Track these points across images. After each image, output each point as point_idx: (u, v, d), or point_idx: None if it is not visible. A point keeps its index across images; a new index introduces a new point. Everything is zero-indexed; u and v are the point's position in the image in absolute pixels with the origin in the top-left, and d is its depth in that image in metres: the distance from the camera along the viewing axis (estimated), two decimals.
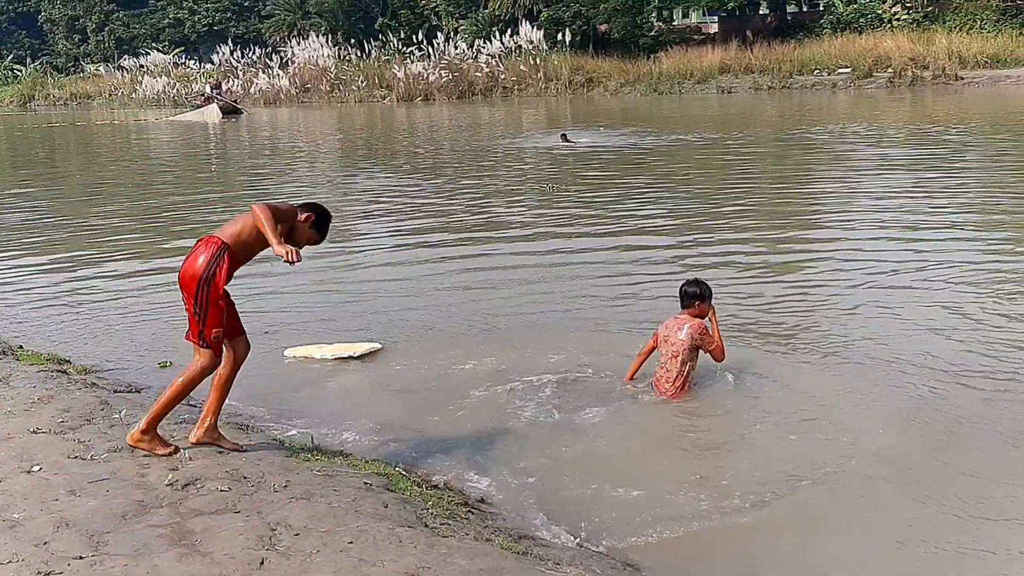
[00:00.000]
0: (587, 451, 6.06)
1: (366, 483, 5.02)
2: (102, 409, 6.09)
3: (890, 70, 40.99)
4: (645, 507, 5.29)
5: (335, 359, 7.94)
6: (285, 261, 5.01)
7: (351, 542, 4.15)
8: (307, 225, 5.42)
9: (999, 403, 6.56)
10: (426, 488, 5.25)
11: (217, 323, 5.13)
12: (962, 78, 39.41)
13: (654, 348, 7.03)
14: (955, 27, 43.73)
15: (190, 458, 5.13)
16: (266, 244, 5.16)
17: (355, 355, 7.99)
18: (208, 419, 5.35)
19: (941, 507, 5.21)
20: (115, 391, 6.80)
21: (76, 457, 5.14)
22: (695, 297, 6.93)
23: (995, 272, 9.91)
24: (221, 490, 4.70)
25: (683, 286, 7.06)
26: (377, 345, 8.14)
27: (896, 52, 41.55)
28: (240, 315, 5.42)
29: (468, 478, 5.67)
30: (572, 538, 4.92)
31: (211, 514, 4.43)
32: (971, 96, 35.30)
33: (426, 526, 4.49)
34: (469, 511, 5.04)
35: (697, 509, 5.26)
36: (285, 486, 4.80)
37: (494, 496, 5.44)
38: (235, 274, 5.22)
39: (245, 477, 4.92)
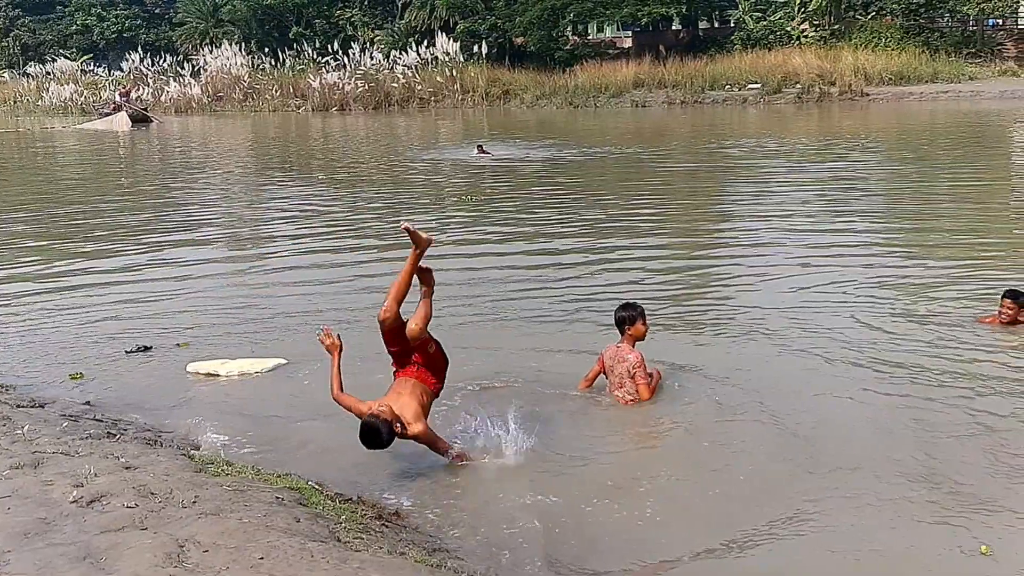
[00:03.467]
0: (505, 461, 6.05)
1: (278, 498, 4.95)
2: (3, 425, 5.92)
3: (798, 86, 41.87)
4: (563, 518, 5.30)
5: (240, 375, 7.84)
6: None
7: (261, 558, 4.09)
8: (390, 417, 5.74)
9: (957, 402, 6.75)
10: (339, 502, 5.20)
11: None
12: (868, 94, 40.47)
13: (600, 372, 7.19)
14: (861, 45, 44.86)
15: (95, 474, 5.01)
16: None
17: (261, 371, 7.90)
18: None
19: (923, 520, 5.23)
20: (18, 406, 6.62)
21: None
22: (625, 321, 7.10)
23: (902, 277, 10.36)
24: (127, 506, 4.60)
25: (616, 314, 7.21)
26: (282, 360, 8.04)
27: (804, 68, 42.49)
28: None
29: (382, 491, 5.65)
30: (487, 551, 4.91)
31: (117, 531, 4.32)
32: (876, 111, 36.28)
33: (339, 540, 4.45)
34: (383, 525, 5.00)
35: (617, 517, 5.30)
36: (194, 502, 4.71)
37: (408, 509, 5.42)
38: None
39: (152, 493, 4.81)
